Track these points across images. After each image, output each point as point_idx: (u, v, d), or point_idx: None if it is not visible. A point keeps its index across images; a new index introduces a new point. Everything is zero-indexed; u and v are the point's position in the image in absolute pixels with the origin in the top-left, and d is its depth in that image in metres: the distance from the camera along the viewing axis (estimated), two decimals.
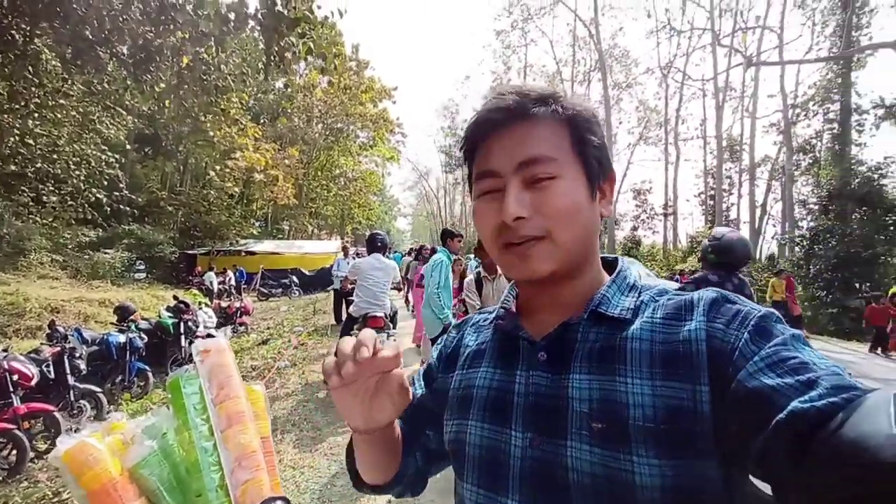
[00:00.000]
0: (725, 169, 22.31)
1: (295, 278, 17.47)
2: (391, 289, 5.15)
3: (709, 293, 0.54)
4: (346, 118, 25.33)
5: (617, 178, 0.64)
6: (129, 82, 5.09)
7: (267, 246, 20.18)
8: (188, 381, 0.75)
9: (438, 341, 0.77)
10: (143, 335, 6.20)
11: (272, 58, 4.18)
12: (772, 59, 18.77)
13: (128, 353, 5.69)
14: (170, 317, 6.94)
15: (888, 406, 0.27)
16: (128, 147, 15.05)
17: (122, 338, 5.72)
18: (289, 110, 20.36)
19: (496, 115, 0.55)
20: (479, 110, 0.58)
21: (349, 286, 5.61)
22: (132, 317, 6.60)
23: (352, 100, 24.67)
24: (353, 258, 8.82)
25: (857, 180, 15.63)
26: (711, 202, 22.71)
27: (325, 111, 24.64)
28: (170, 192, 20.68)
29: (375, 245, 5.10)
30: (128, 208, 11.94)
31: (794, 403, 0.36)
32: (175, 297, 7.74)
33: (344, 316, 6.89)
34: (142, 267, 15.57)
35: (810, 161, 19.39)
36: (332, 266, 10.88)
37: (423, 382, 0.75)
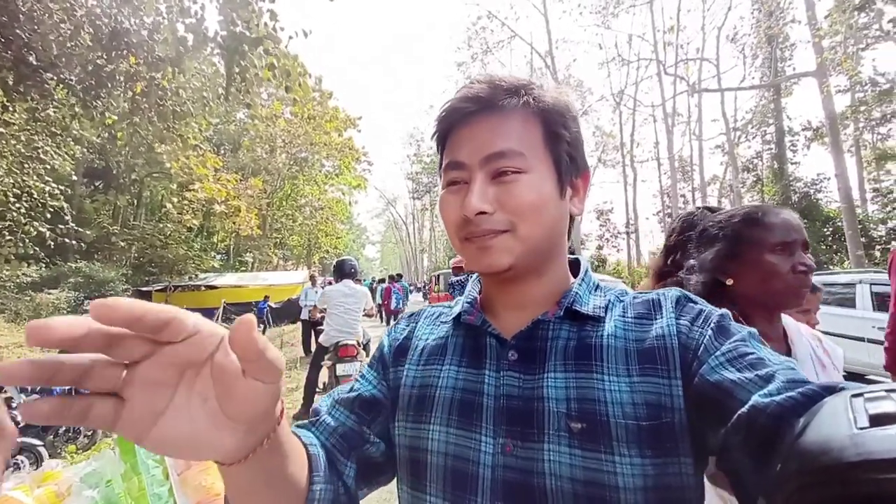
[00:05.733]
0: (679, 188, 23.60)
1: None
2: (363, 315, 5.02)
3: (672, 292, 0.55)
4: (310, 147, 25.20)
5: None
6: (77, 109, 4.83)
7: (229, 279, 19.41)
8: None
9: (387, 332, 0.70)
10: None
11: (233, 79, 4.10)
12: (712, 86, 20.30)
13: None
14: None
15: (846, 407, 0.28)
16: (74, 178, 14.21)
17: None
18: (251, 132, 19.98)
19: (466, 105, 0.54)
20: (451, 98, 0.56)
21: (318, 315, 5.42)
22: None
23: (316, 129, 24.63)
24: (322, 287, 8.61)
25: (796, 195, 16.95)
26: (669, 220, 23.84)
27: (288, 141, 24.45)
28: (122, 226, 19.73)
29: (344, 271, 4.98)
30: (74, 243, 11.20)
31: (755, 398, 0.37)
32: None
33: (314, 347, 6.65)
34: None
35: (754, 179, 20.85)
36: (298, 297, 10.55)
37: (375, 373, 0.64)
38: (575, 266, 0.63)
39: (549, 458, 0.47)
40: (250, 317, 0.28)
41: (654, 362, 0.49)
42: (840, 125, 13.73)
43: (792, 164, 18.96)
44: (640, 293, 0.58)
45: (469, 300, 0.62)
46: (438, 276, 13.71)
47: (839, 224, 13.81)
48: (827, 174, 16.41)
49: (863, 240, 11.95)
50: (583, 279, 0.59)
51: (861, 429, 0.25)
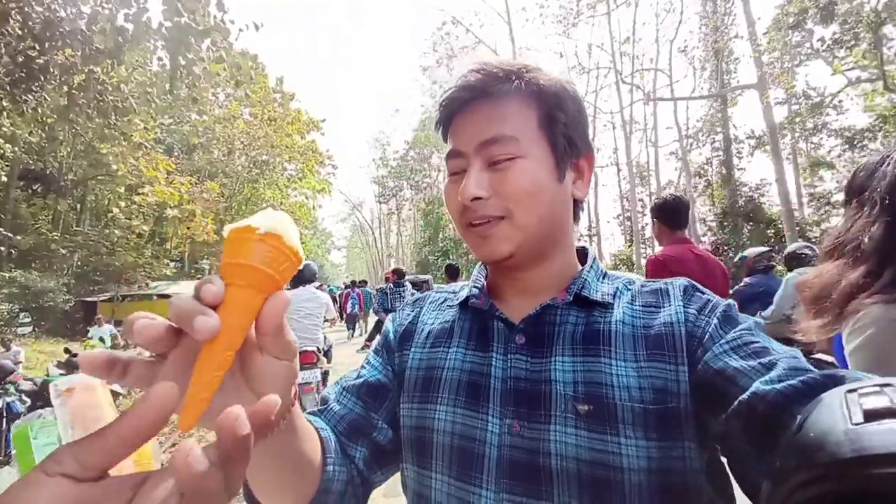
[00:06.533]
0: (637, 193, 24.55)
1: None
2: (324, 321, 4.88)
3: (680, 281, 0.56)
4: (271, 150, 24.48)
5: None
6: (5, 104, 4.41)
7: (182, 287, 18.49)
8: (42, 429, 0.57)
9: (391, 317, 0.70)
10: (24, 398, 5.30)
11: (178, 73, 3.89)
12: (665, 95, 21.35)
13: (5, 420, 4.87)
14: (60, 374, 6.00)
15: (842, 403, 0.28)
16: (4, 179, 13.01)
17: None
18: (200, 129, 19.05)
19: (461, 94, 0.55)
20: (449, 88, 0.57)
21: None
22: (11, 377, 5.62)
23: (277, 131, 23.95)
24: None
25: (742, 199, 18.03)
26: (629, 223, 24.77)
27: (248, 143, 23.63)
28: (63, 232, 18.36)
29: (305, 276, 4.83)
30: (3, 249, 10.28)
31: (756, 384, 0.38)
32: (67, 351, 6.73)
33: None
34: (27, 319, 13.56)
35: (705, 184, 22.01)
36: None
37: (381, 359, 0.64)
38: (581, 254, 0.63)
39: (556, 438, 0.47)
40: (287, 295, 0.31)
41: (662, 348, 0.49)
42: (779, 134, 14.74)
43: (738, 170, 20.15)
44: (648, 281, 0.58)
45: (477, 285, 0.62)
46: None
47: (780, 226, 14.78)
48: (769, 180, 17.56)
49: (800, 240, 12.88)
50: (591, 266, 0.59)
51: (856, 424, 0.25)
